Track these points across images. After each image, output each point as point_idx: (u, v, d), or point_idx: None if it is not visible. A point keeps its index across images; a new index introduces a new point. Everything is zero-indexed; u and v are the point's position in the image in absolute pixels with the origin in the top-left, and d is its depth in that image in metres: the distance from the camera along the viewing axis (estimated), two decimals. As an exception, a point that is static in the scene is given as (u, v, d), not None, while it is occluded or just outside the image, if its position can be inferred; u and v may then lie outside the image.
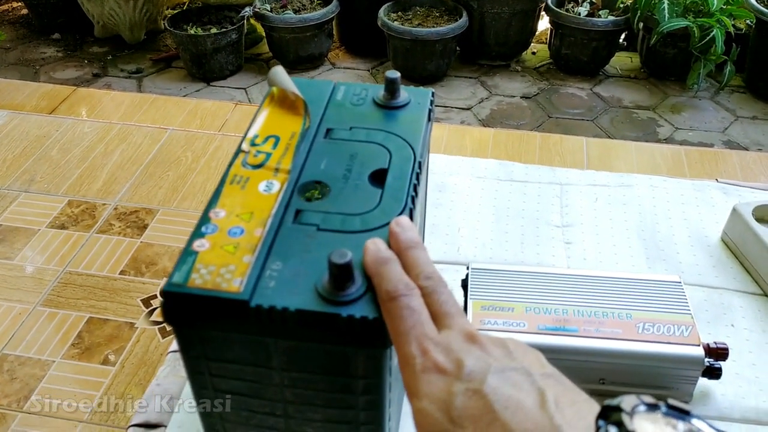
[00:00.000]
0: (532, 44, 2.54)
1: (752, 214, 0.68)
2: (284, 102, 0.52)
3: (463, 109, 2.21)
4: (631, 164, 0.83)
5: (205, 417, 0.45)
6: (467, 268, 0.61)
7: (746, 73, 2.36)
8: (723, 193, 0.78)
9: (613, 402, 0.29)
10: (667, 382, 0.55)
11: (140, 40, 2.53)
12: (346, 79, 2.32)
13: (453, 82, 2.36)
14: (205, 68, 2.24)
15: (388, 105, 0.53)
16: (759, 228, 0.67)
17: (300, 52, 2.33)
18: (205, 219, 0.42)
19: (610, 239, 0.72)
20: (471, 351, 0.33)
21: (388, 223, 0.42)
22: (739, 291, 0.66)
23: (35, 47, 2.58)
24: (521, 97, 2.29)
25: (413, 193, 0.45)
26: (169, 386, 0.57)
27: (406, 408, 0.57)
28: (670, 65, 2.37)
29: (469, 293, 0.59)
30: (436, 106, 2.24)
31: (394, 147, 0.49)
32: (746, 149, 2.08)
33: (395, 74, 0.53)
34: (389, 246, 0.39)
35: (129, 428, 0.55)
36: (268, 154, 0.47)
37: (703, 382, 0.57)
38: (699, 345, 0.54)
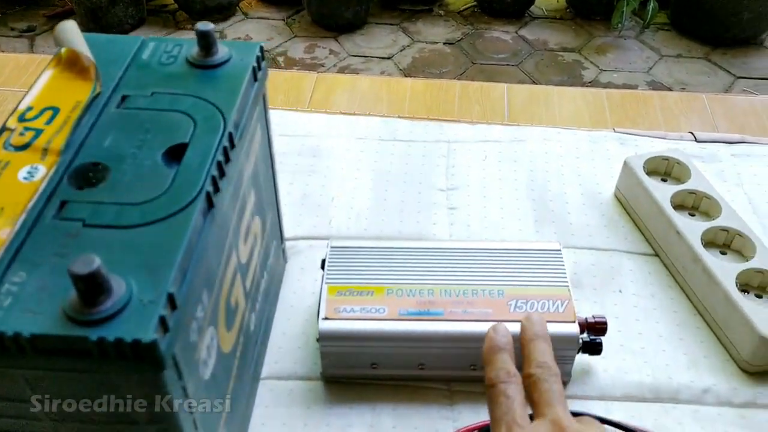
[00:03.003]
0: (455, -13, 2.44)
1: (643, 167, 0.62)
2: (74, 65, 0.43)
3: (383, 58, 2.12)
4: (552, 110, 0.77)
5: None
6: (327, 246, 0.54)
7: (670, 10, 2.32)
8: (620, 144, 0.72)
9: None
10: (543, 363, 0.50)
11: (33, -6, 2.32)
12: (260, 30, 2.19)
13: (373, 30, 2.25)
14: (102, 22, 2.07)
15: (203, 64, 0.44)
16: (649, 182, 0.61)
17: (207, 2, 2.18)
18: (-64, 221, 0.33)
19: (498, 201, 0.66)
20: None
21: (176, 213, 0.34)
22: (630, 252, 0.61)
23: None
24: (444, 44, 2.21)
25: (215, 173, 0.37)
26: None
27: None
28: (595, 4, 2.31)
29: (325, 277, 0.52)
30: (354, 55, 2.13)
31: (201, 116, 0.41)
32: (670, 89, 2.06)
33: (207, 26, 0.44)
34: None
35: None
36: (39, 131, 0.38)
37: (584, 358, 0.52)
38: (574, 321, 0.49)
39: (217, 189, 0.37)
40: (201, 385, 0.37)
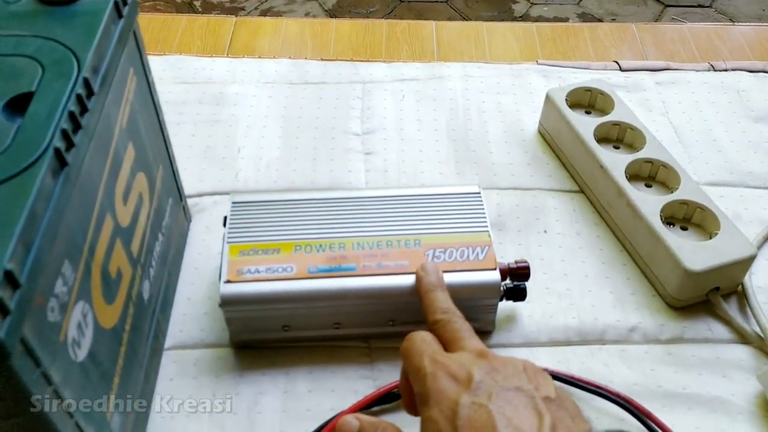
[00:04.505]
0: None
1: (566, 100, 0.59)
2: None
3: (307, -1, 2.02)
4: (482, 48, 0.73)
5: None
6: (229, 202, 0.50)
7: (598, -59, 2.28)
8: (543, 76, 0.69)
9: None
10: (466, 313, 0.47)
11: None
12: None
13: (295, -31, 2.14)
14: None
15: (54, 0, 0.38)
16: (572, 115, 0.58)
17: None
18: None
19: (417, 144, 0.62)
20: (481, 365, 0.34)
21: (16, 175, 0.29)
22: (554, 190, 0.58)
23: None
24: (371, -18, 2.12)
25: (67, 125, 0.32)
26: None
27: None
28: (523, -63, 2.24)
29: (226, 236, 0.47)
30: (275, -3, 2.02)
31: (51, 60, 0.35)
32: (600, 20, 2.04)
33: (55, -47, 0.37)
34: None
35: None
36: None
37: (509, 305, 0.49)
38: (495, 269, 0.46)
39: (71, 144, 0.32)
40: (73, 369, 0.33)
